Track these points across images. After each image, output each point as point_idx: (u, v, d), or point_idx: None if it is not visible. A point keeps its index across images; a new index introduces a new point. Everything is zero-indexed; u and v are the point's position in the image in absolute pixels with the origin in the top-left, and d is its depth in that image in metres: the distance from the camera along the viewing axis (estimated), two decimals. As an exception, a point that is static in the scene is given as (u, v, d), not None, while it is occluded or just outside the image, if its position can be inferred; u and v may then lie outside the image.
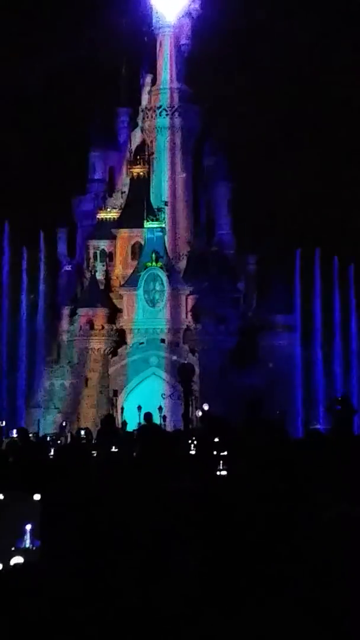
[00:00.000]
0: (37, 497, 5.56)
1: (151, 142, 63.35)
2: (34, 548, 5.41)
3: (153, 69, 64.59)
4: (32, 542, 5.41)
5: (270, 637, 5.19)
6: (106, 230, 61.75)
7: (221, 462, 8.98)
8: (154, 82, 64.31)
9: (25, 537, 5.40)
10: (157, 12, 63.58)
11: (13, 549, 5.38)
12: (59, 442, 28.51)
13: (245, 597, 5.77)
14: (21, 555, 5.41)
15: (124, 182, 64.14)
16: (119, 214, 61.89)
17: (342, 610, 5.43)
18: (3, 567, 5.37)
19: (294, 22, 64.92)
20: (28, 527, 5.41)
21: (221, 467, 8.82)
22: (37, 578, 5.43)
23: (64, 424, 47.93)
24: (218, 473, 8.74)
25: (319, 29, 66.62)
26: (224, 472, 8.66)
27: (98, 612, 5.63)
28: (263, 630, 5.22)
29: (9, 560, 5.37)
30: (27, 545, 5.41)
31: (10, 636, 5.24)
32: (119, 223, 61.43)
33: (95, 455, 12.64)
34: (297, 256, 57.20)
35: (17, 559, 5.38)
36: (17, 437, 19.30)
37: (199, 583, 6.11)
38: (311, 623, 5.32)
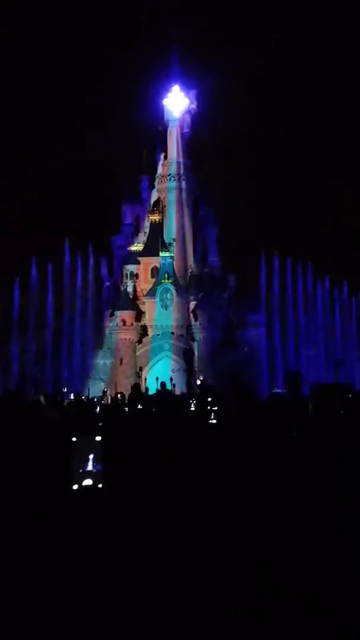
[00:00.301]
0: (98, 438, 5.55)
1: (164, 198, 63.37)
2: (95, 471, 5.41)
3: (165, 149, 64.57)
4: (94, 467, 5.42)
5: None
6: (134, 258, 61.80)
7: (212, 414, 8.97)
8: (165, 157, 64.31)
9: (88, 463, 5.42)
10: (167, 110, 63.96)
11: (81, 471, 5.39)
12: (102, 402, 28.46)
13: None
14: (90, 477, 5.40)
15: (146, 226, 64.10)
16: (143, 247, 61.88)
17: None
18: (78, 487, 5.39)
19: (263, 116, 64.73)
20: (91, 456, 5.42)
21: (212, 418, 8.81)
22: (101, 495, 5.45)
23: (105, 390, 47.70)
24: (210, 422, 8.75)
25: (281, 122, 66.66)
26: (214, 421, 8.66)
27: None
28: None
29: (82, 482, 5.39)
30: (90, 469, 5.42)
31: (85, 540, 5.28)
32: (143, 253, 61.44)
33: (127, 410, 12.56)
34: (263, 275, 57.18)
35: (87, 481, 5.39)
36: (74, 399, 19.24)
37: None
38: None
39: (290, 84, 71.88)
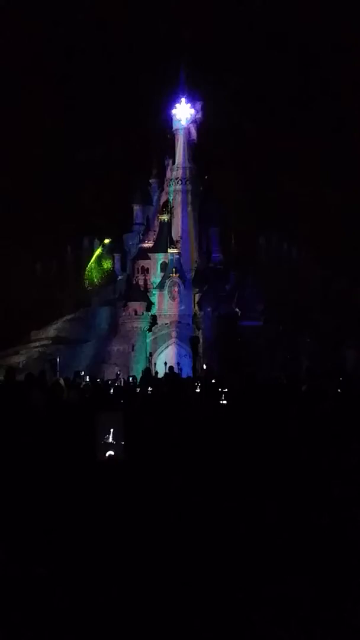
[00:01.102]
0: (119, 413, 5.61)
1: (172, 200, 63.19)
2: (115, 442, 5.41)
3: (172, 154, 64.26)
4: (113, 438, 5.42)
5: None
6: (145, 254, 61.76)
7: (223, 395, 8.92)
8: (173, 162, 64.07)
9: (109, 435, 5.42)
10: (175, 119, 63.81)
11: (103, 443, 5.38)
12: (115, 384, 28.48)
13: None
14: (111, 449, 5.39)
15: (155, 225, 64.01)
16: (153, 244, 61.84)
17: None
18: (102, 458, 5.39)
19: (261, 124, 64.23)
20: (112, 430, 5.42)
21: (222, 399, 8.77)
22: (121, 463, 5.45)
23: (118, 373, 47.86)
24: (221, 402, 8.67)
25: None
26: (224, 402, 8.64)
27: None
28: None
29: (105, 453, 5.39)
30: (111, 441, 5.42)
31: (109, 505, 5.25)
32: (153, 250, 61.40)
33: (138, 392, 12.63)
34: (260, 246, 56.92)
35: (110, 453, 5.39)
36: (89, 381, 19.31)
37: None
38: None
39: (291, 93, 71.29)
